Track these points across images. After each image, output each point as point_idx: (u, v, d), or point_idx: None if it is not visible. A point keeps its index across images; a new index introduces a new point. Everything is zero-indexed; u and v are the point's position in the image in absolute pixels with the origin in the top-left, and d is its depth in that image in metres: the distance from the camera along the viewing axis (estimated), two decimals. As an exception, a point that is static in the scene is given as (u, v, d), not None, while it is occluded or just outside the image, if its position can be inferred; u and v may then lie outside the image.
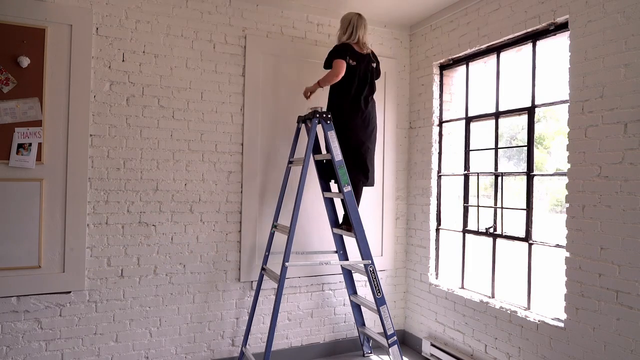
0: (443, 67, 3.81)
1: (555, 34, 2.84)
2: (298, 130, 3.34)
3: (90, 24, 2.94)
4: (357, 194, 3.23)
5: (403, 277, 4.06)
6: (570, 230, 2.61)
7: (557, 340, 2.67)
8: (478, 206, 3.43)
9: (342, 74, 3.07)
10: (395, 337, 3.16)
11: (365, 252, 3.08)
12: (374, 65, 3.28)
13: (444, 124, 3.82)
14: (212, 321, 3.30)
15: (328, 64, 3.16)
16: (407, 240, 4.06)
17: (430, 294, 3.74)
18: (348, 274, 3.59)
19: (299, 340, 3.63)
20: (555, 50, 2.95)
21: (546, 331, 2.74)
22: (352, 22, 3.20)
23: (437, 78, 3.82)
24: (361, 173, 3.23)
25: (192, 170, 3.25)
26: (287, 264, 2.90)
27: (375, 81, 3.34)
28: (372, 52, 3.30)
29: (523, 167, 3.08)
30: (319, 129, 3.14)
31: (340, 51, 3.12)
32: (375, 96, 3.32)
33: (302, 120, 3.29)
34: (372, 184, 3.33)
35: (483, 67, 3.52)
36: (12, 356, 2.78)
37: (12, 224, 2.75)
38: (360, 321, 3.62)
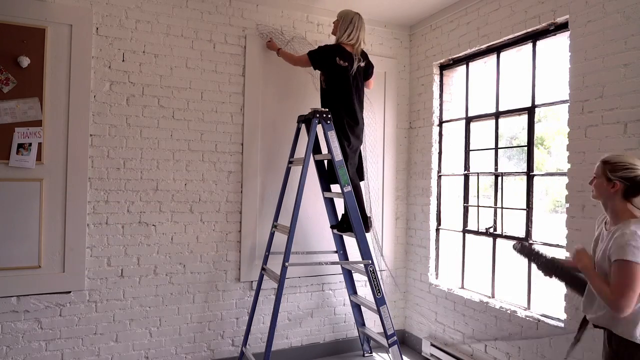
0: (443, 67, 3.81)
1: (555, 34, 2.84)
2: (298, 130, 3.34)
3: (90, 24, 2.94)
4: (359, 194, 3.22)
5: (403, 277, 4.06)
6: (570, 230, 2.61)
7: (557, 340, 2.67)
8: (478, 206, 3.43)
9: (298, 66, 3.31)
10: (395, 337, 3.15)
11: (365, 252, 3.08)
12: (362, 64, 3.22)
13: (444, 124, 3.82)
14: (212, 321, 3.30)
15: (310, 56, 3.17)
16: (407, 240, 4.06)
17: (430, 294, 3.74)
18: (348, 274, 3.59)
19: (299, 340, 3.63)
20: (555, 50, 2.95)
21: (546, 331, 2.74)
22: (354, 22, 3.15)
23: (437, 78, 3.83)
24: (358, 175, 3.27)
25: (192, 170, 3.25)
26: (287, 264, 2.90)
27: (372, 80, 3.35)
28: (363, 51, 3.26)
29: (523, 167, 3.08)
30: (319, 129, 3.14)
31: (325, 52, 3.12)
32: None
33: (302, 120, 3.29)
34: (364, 179, 3.39)
35: (483, 67, 3.52)
36: (12, 356, 2.78)
37: (12, 224, 2.75)
38: (360, 321, 3.62)
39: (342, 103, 3.12)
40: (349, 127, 3.13)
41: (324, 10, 3.65)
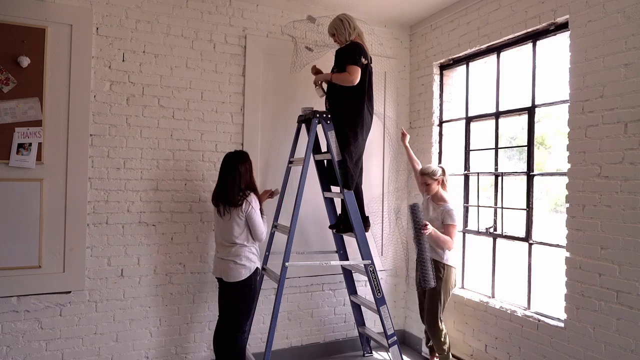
0: (443, 67, 3.81)
1: (555, 34, 2.84)
2: (298, 130, 3.34)
3: (91, 24, 2.94)
4: (359, 194, 3.21)
5: (403, 277, 4.06)
6: (570, 230, 2.61)
7: (557, 340, 2.67)
8: (478, 206, 3.43)
9: (357, 82, 2.94)
10: (395, 337, 3.16)
11: (365, 252, 3.08)
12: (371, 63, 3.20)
13: (444, 124, 3.82)
14: (212, 321, 3.30)
15: (342, 65, 2.99)
16: (407, 239, 4.05)
17: (430, 294, 3.73)
18: (348, 274, 3.59)
19: (299, 340, 3.63)
20: (556, 50, 2.94)
21: (546, 331, 2.74)
22: (349, 20, 3.08)
23: (437, 78, 3.82)
24: (360, 176, 3.18)
25: (192, 170, 3.25)
26: (287, 264, 2.90)
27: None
28: None
29: (523, 167, 3.08)
30: (319, 129, 3.14)
31: (359, 53, 2.95)
32: (375, 96, 3.30)
33: (302, 120, 3.29)
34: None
35: (483, 67, 3.52)
36: (12, 356, 2.78)
37: (12, 224, 2.75)
38: (360, 321, 3.62)
39: (365, 101, 3.01)
40: (366, 126, 3.06)
41: (324, 10, 3.65)
